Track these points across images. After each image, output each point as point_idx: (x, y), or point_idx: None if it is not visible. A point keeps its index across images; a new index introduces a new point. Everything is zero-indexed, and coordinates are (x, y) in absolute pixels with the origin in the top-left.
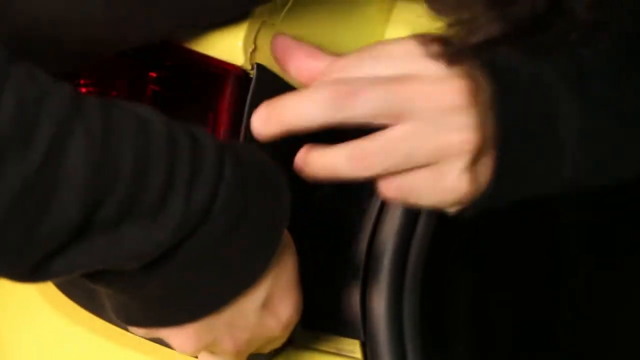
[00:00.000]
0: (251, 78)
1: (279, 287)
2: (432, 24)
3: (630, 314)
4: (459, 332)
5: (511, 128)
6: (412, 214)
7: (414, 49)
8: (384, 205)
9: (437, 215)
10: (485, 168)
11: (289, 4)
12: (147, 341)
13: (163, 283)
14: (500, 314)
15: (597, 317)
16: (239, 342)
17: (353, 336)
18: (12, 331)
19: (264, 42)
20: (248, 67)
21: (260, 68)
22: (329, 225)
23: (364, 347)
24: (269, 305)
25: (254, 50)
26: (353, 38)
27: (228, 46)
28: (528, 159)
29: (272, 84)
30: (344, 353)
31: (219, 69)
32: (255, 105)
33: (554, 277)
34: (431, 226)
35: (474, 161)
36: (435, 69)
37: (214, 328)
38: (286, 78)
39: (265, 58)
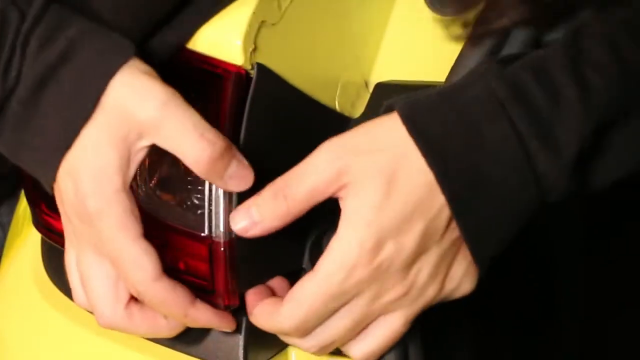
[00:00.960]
0: (251, 78)
1: (86, 169)
2: (436, 17)
3: (631, 314)
4: (460, 331)
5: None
6: None
7: None
8: None
9: None
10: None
11: (289, 2)
12: (147, 341)
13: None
14: (501, 315)
15: (597, 317)
16: (66, 210)
17: None
18: (12, 331)
19: (264, 42)
20: (248, 66)
21: (261, 68)
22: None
23: None
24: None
25: (254, 49)
26: (353, 37)
27: (228, 46)
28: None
29: (273, 84)
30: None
31: (219, 69)
32: (255, 105)
33: (552, 277)
34: None
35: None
36: None
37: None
38: (287, 78)
39: (265, 58)
